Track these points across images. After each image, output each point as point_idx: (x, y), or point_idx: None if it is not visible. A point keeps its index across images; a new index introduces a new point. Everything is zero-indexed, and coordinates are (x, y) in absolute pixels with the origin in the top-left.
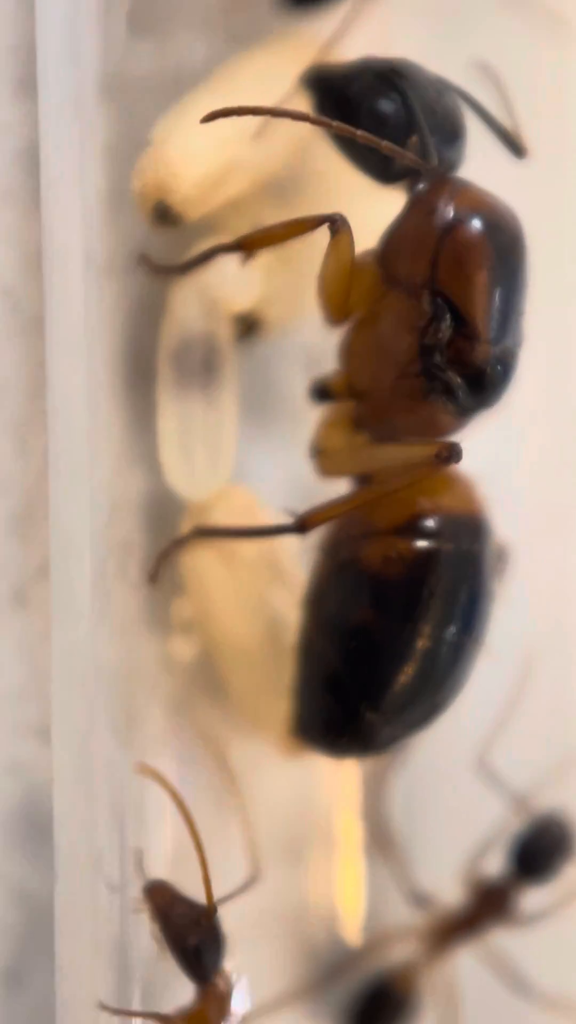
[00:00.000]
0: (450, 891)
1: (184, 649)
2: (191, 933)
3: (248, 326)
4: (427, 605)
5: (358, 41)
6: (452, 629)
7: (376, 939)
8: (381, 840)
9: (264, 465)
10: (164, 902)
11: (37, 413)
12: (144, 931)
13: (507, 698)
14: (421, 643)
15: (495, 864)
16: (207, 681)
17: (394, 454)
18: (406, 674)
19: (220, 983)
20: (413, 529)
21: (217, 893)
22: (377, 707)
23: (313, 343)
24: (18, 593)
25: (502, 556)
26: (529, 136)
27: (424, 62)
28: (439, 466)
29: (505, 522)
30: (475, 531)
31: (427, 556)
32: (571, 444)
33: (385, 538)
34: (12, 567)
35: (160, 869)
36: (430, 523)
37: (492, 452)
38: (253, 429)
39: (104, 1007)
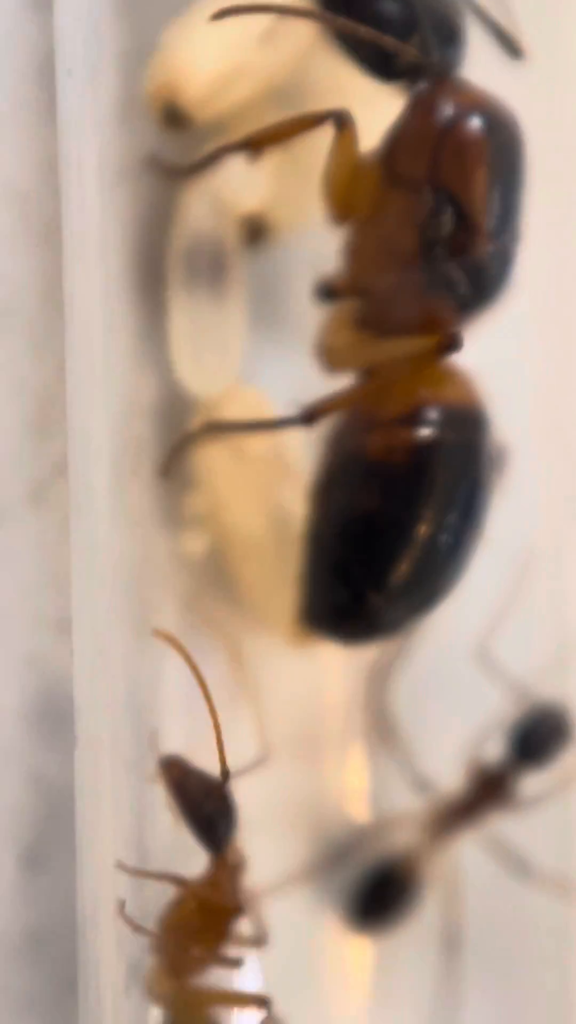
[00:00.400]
0: (451, 778)
1: (196, 543)
2: (204, 803)
3: (255, 231)
4: (428, 492)
5: None
6: (452, 516)
7: (380, 825)
8: (384, 729)
9: (271, 366)
10: (178, 775)
11: (53, 316)
12: (159, 804)
13: (507, 589)
14: (423, 528)
15: (495, 751)
16: (218, 575)
17: (397, 347)
18: (409, 558)
19: (232, 853)
20: (415, 419)
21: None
22: (381, 590)
23: (319, 247)
24: (36, 491)
25: (502, 454)
26: (526, 38)
27: None
28: (440, 355)
29: (508, 421)
30: (475, 423)
31: (429, 444)
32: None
33: (388, 428)
34: (29, 466)
35: (173, 748)
36: (432, 413)
37: (495, 352)
38: (260, 331)
39: (121, 866)
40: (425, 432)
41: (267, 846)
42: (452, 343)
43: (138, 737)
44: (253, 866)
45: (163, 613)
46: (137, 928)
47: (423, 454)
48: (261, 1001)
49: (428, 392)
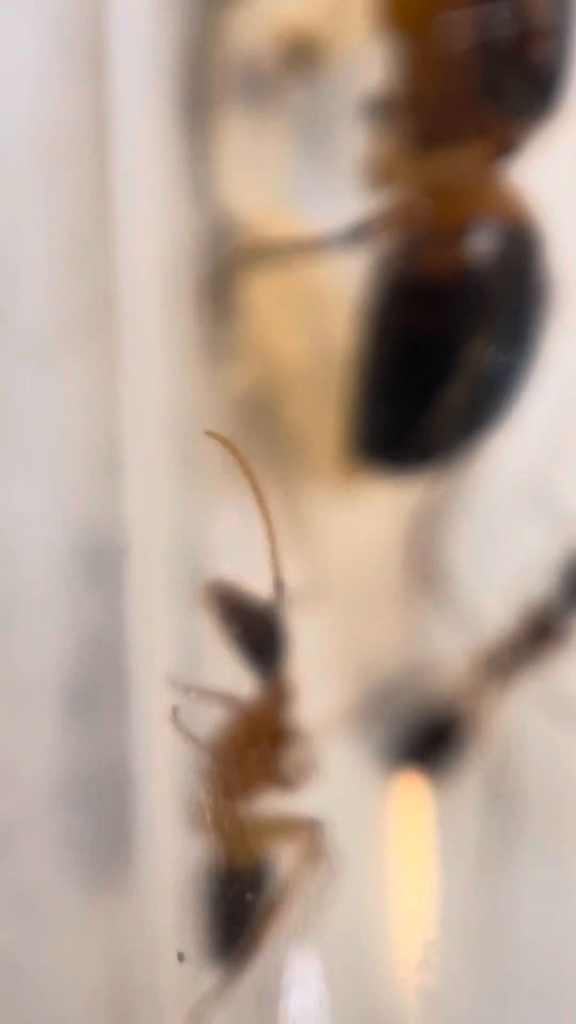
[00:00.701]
0: (501, 620)
1: (239, 377)
2: (254, 626)
3: (303, 50)
4: (481, 310)
5: None
6: (506, 336)
7: (429, 667)
8: (430, 569)
9: (316, 190)
10: (227, 598)
11: (95, 147)
12: (210, 636)
13: (563, 423)
14: (475, 348)
15: (546, 592)
16: (264, 414)
17: (449, 158)
18: (460, 379)
19: (283, 680)
20: (468, 234)
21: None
22: (432, 413)
23: (368, 67)
24: (82, 326)
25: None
26: None
27: None
28: (494, 161)
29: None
30: (532, 241)
31: (482, 260)
32: None
33: (440, 244)
34: (75, 299)
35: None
36: (486, 228)
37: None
38: (306, 154)
39: (174, 682)
40: (478, 247)
41: (316, 689)
42: (507, 148)
43: (189, 573)
44: (304, 705)
45: (207, 457)
46: (191, 737)
47: (476, 270)
48: (313, 825)
49: (482, 207)
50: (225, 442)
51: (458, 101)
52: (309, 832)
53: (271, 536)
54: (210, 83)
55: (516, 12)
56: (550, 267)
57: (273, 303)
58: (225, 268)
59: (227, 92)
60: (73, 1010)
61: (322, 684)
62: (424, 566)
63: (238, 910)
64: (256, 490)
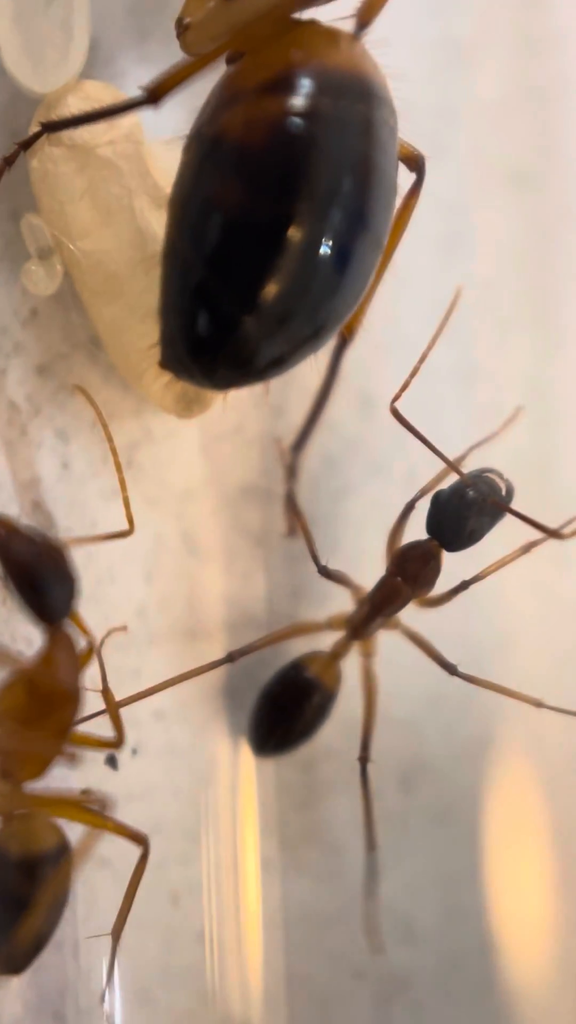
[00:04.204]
0: (369, 574)
1: (43, 279)
2: (35, 564)
3: None
4: (302, 178)
5: None
6: (337, 213)
7: (291, 627)
8: (291, 518)
9: (127, 57)
10: (3, 533)
11: None
12: None
13: (429, 342)
14: (299, 228)
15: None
16: (77, 332)
17: (258, 1)
18: (283, 268)
19: (69, 629)
20: (282, 84)
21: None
22: (251, 311)
23: None
24: None
25: (418, 167)
26: None
27: None
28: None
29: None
30: (362, 91)
31: (299, 114)
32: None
33: (250, 98)
34: None
35: None
36: (303, 77)
37: None
38: (110, 15)
39: None
40: (294, 100)
41: (150, 658)
42: None
43: None
44: (134, 672)
45: (9, 380)
46: None
47: (291, 128)
48: (98, 803)
49: (299, 54)
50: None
51: None
52: (95, 809)
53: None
54: None
55: None
56: (389, 123)
57: (74, 188)
58: (15, 146)
59: None
60: None
61: (156, 649)
62: (285, 515)
63: (19, 901)
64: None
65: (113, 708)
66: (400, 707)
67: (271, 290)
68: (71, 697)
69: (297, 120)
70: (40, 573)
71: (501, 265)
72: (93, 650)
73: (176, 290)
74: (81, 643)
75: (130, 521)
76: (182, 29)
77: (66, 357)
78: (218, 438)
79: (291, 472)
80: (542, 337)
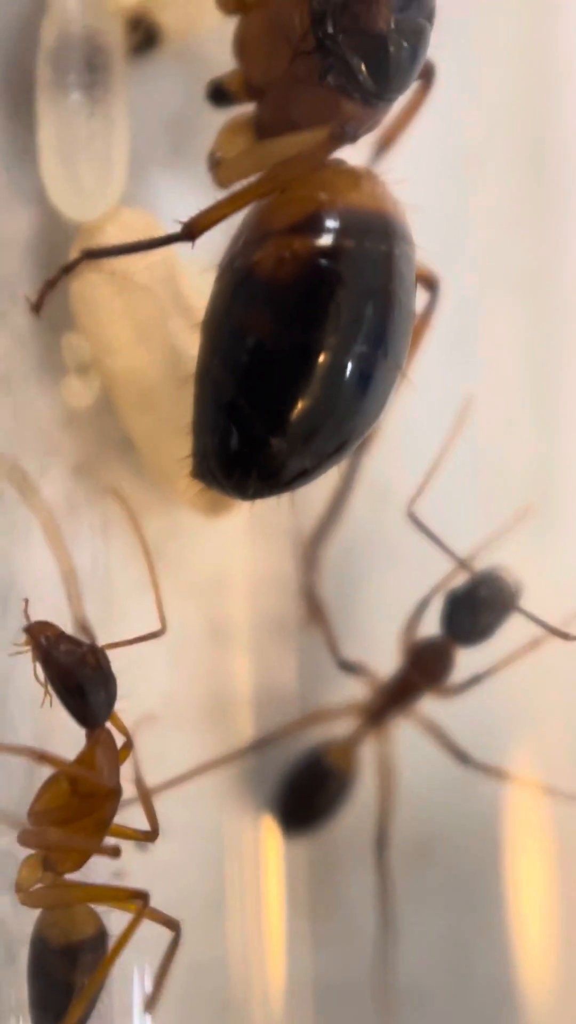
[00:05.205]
0: (385, 664)
1: (81, 393)
2: (76, 672)
3: (144, 35)
4: (327, 311)
5: None
6: (359, 342)
7: (307, 715)
8: (311, 609)
9: (162, 188)
10: (48, 640)
11: None
12: (27, 674)
13: (441, 448)
14: (323, 357)
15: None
16: (112, 435)
17: (290, 143)
18: (309, 393)
19: (108, 731)
20: (310, 225)
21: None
22: (279, 432)
23: (214, 53)
24: None
25: (432, 287)
26: None
27: None
28: (332, 146)
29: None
30: (384, 230)
31: (325, 254)
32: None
33: (280, 237)
34: None
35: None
36: (329, 218)
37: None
38: (149, 149)
39: None
40: (321, 240)
41: (174, 741)
42: (344, 133)
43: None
44: (160, 763)
45: (47, 482)
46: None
47: (319, 266)
48: (139, 896)
49: (325, 196)
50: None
51: (295, 82)
52: (138, 905)
53: (70, 581)
54: (32, 65)
55: None
56: (407, 256)
57: (112, 310)
58: (56, 273)
59: (52, 75)
60: None
61: (183, 736)
62: (304, 603)
63: (62, 986)
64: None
65: (148, 802)
66: (417, 781)
67: (298, 413)
68: (111, 795)
69: (324, 260)
70: (82, 681)
71: (509, 364)
72: (130, 746)
73: (208, 409)
74: (119, 738)
75: (162, 620)
76: (214, 163)
77: (101, 457)
78: (243, 530)
79: (311, 563)
80: (548, 434)
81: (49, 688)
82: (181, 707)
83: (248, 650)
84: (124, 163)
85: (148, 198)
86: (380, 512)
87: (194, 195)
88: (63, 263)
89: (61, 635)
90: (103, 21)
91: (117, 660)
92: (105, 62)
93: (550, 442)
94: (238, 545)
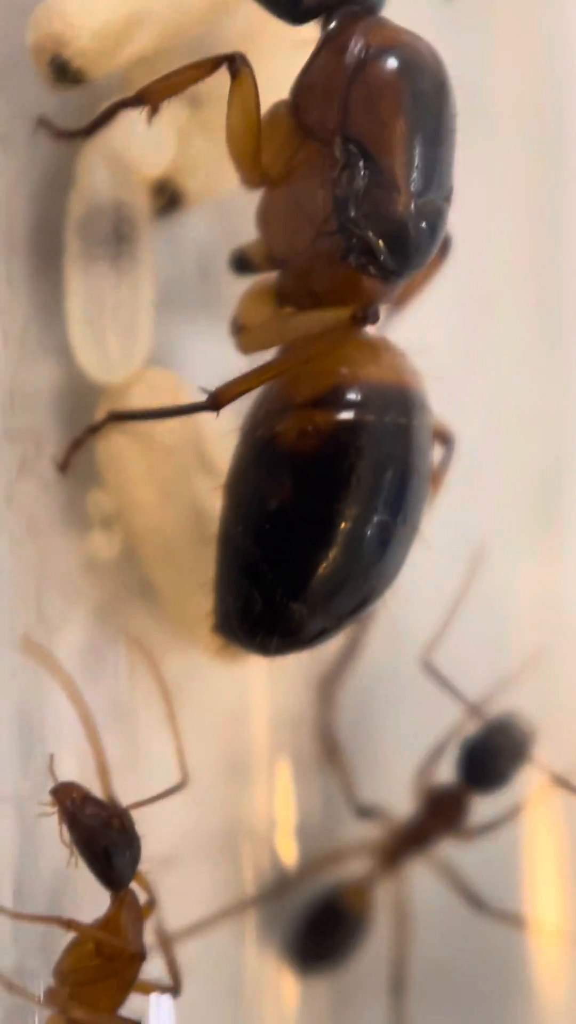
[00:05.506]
0: (400, 805)
1: (105, 546)
2: (102, 835)
3: (169, 199)
4: (348, 483)
5: None
6: (378, 511)
7: (323, 856)
8: (328, 751)
9: (186, 346)
10: (73, 803)
11: None
12: (51, 837)
13: (454, 597)
14: (343, 525)
15: (447, 773)
16: (134, 581)
17: (312, 320)
18: (329, 561)
19: (133, 892)
20: (331, 400)
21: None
22: (300, 597)
23: (238, 216)
24: None
25: (447, 441)
26: None
27: None
28: (354, 328)
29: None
30: (403, 403)
31: (347, 428)
32: (523, 334)
33: (303, 411)
34: None
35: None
36: (350, 393)
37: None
38: (175, 314)
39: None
40: (343, 415)
41: (192, 878)
42: (366, 315)
43: (29, 764)
44: (178, 901)
45: (70, 627)
46: (10, 986)
47: (340, 440)
48: None
49: (346, 370)
50: (44, 656)
51: (318, 260)
52: None
53: (98, 754)
54: (60, 231)
55: (371, 163)
56: (425, 425)
57: (137, 468)
58: (82, 433)
59: (79, 241)
60: None
61: (199, 878)
62: (321, 746)
63: None
64: (81, 706)
65: (171, 954)
66: (434, 920)
67: (319, 580)
68: (136, 958)
69: (345, 435)
70: (108, 846)
71: (519, 507)
72: (154, 904)
73: (231, 572)
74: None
75: (184, 770)
76: (237, 328)
77: (123, 601)
78: (261, 670)
79: (327, 703)
80: (558, 574)
81: (74, 850)
82: (199, 843)
83: (266, 786)
84: (149, 327)
85: (173, 355)
86: (395, 652)
87: (218, 350)
88: (88, 418)
89: (87, 797)
90: (130, 192)
91: (135, 793)
92: (131, 233)
93: (556, 580)
94: (256, 683)
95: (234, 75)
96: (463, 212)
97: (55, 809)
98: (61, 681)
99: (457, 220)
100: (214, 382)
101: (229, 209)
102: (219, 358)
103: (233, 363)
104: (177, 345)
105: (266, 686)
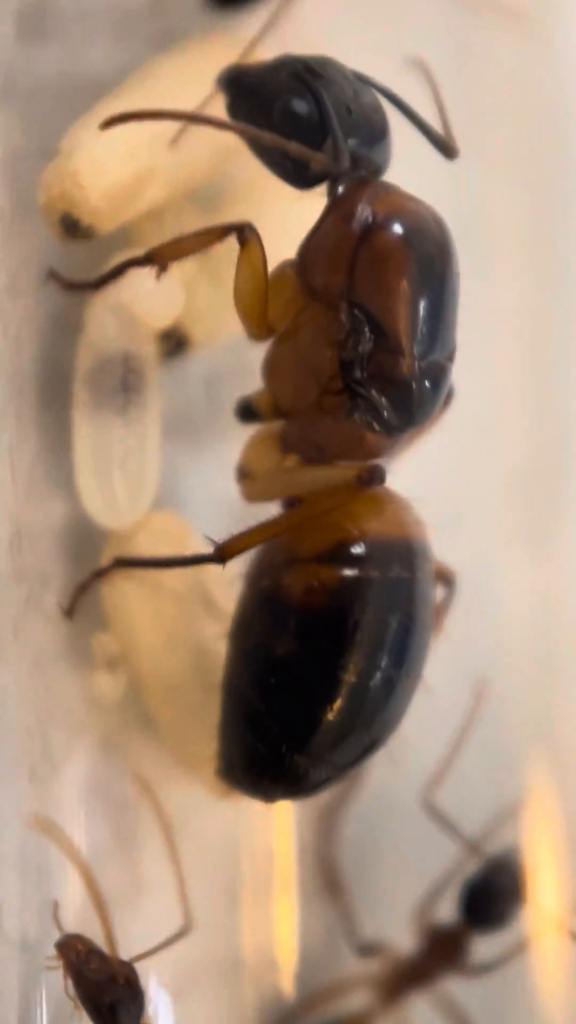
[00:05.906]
0: (401, 938)
1: (110, 687)
2: (107, 990)
3: (175, 344)
4: (352, 638)
5: (286, 39)
6: (382, 664)
7: (324, 989)
8: (330, 885)
9: (193, 489)
10: (78, 957)
11: None
12: (56, 990)
13: (455, 737)
14: (347, 679)
15: (447, 910)
16: (138, 717)
17: (318, 477)
18: (332, 713)
19: None
20: (337, 556)
21: (152, 944)
22: (302, 749)
23: (244, 360)
24: None
25: (449, 582)
26: (463, 135)
27: (357, 59)
28: (360, 489)
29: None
30: (407, 557)
31: (352, 585)
32: (520, 470)
33: (308, 566)
34: None
35: (74, 924)
36: (355, 549)
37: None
38: (180, 451)
39: None
40: (348, 572)
41: (194, 1011)
42: (372, 477)
43: (27, 914)
44: None
45: (74, 760)
46: None
47: (345, 596)
48: None
49: (352, 525)
50: (50, 829)
51: (323, 417)
52: None
53: (105, 920)
54: (68, 377)
55: (376, 327)
56: (429, 576)
57: (142, 611)
58: (88, 578)
59: (87, 390)
60: None
61: (202, 1011)
62: (322, 880)
63: None
64: (88, 877)
65: None
66: None
67: (322, 733)
68: None
69: (350, 591)
70: (113, 1000)
71: (521, 631)
72: None
73: (235, 721)
74: None
75: (188, 917)
76: (242, 475)
77: (126, 734)
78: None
79: (329, 835)
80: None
81: (78, 1003)
82: (200, 975)
83: (267, 915)
84: (156, 474)
85: (181, 498)
86: (395, 781)
87: (224, 496)
88: (94, 557)
89: (91, 951)
90: (137, 343)
91: (138, 925)
92: (139, 383)
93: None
94: (257, 814)
95: (243, 243)
96: None
97: (59, 963)
98: (69, 854)
99: None
100: (223, 525)
101: (238, 353)
102: (228, 501)
103: (241, 506)
104: (186, 487)
105: (266, 816)
